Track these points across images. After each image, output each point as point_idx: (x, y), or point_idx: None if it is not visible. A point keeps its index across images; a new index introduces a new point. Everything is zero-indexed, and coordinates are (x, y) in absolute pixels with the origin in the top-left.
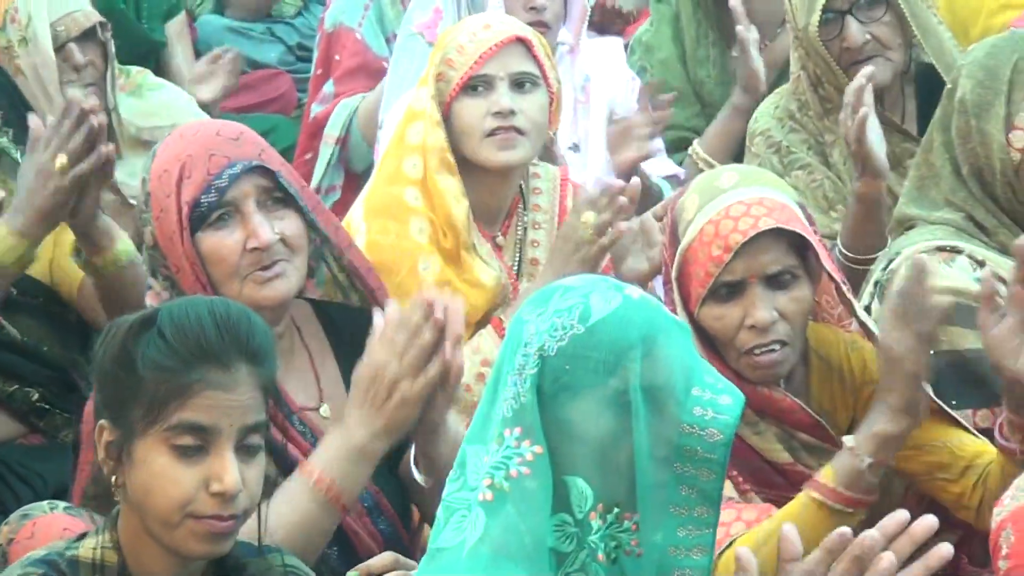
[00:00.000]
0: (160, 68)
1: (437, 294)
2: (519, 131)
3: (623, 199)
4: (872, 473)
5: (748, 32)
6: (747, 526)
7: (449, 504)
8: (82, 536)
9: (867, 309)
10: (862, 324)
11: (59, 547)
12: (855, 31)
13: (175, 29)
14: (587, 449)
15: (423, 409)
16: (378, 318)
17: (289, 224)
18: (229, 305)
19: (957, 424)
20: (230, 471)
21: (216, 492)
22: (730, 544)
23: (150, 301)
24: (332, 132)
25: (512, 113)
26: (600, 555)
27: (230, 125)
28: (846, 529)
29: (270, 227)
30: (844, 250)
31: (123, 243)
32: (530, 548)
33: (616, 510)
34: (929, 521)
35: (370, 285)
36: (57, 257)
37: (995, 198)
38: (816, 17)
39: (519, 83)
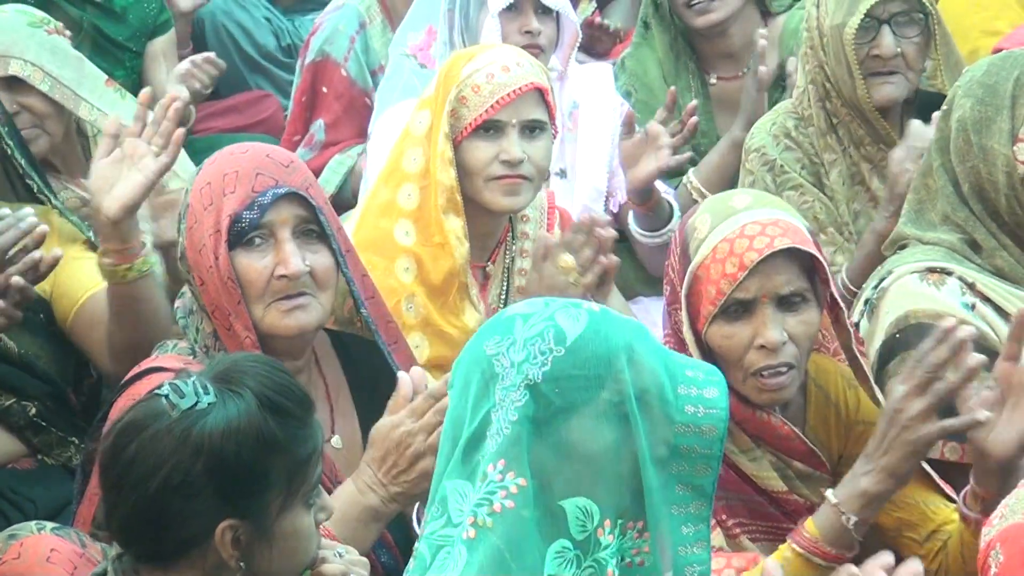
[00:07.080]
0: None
1: None
2: (525, 178)
3: (603, 232)
4: (856, 531)
5: (768, 72)
6: (737, 573)
7: (432, 541)
8: None
9: (855, 327)
10: (853, 358)
11: None
12: (889, 41)
13: (161, 46)
14: (589, 466)
15: None
16: (404, 377)
17: (320, 259)
18: (268, 359)
19: (935, 486)
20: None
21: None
22: None
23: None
24: (326, 188)
25: (520, 162)
26: (610, 570)
27: (282, 151)
28: None
29: (301, 258)
30: (849, 283)
31: (150, 253)
32: None
33: (620, 521)
34: None
35: (385, 340)
36: (59, 275)
37: (997, 215)
38: (856, 19)
39: (529, 129)
